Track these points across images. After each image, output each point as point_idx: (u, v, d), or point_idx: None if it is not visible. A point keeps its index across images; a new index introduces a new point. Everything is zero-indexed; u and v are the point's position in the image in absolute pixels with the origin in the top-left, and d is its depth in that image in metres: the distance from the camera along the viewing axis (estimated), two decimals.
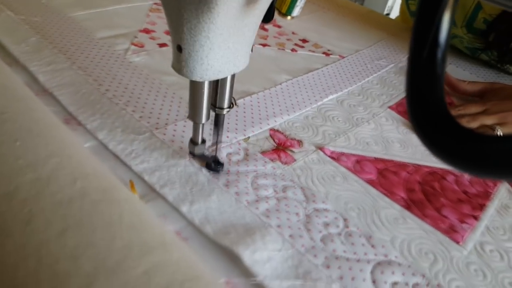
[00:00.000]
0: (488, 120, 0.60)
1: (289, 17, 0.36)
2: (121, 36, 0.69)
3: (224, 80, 0.38)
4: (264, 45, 0.76)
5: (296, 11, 0.35)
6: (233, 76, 0.38)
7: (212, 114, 0.41)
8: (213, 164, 0.44)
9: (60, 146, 0.30)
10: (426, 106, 0.20)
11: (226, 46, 0.32)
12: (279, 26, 0.85)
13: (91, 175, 0.28)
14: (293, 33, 0.84)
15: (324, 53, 0.77)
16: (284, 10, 0.35)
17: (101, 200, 0.26)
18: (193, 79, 0.34)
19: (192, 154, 0.43)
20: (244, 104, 0.57)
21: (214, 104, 0.40)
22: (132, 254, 0.23)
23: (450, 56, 0.89)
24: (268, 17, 0.35)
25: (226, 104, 0.40)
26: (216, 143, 0.43)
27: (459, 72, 0.83)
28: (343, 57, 0.77)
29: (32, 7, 0.72)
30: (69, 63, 0.58)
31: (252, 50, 0.38)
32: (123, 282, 0.21)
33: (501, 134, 0.58)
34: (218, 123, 0.42)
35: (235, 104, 0.41)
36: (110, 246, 0.23)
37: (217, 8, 0.29)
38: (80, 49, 0.62)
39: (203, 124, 0.40)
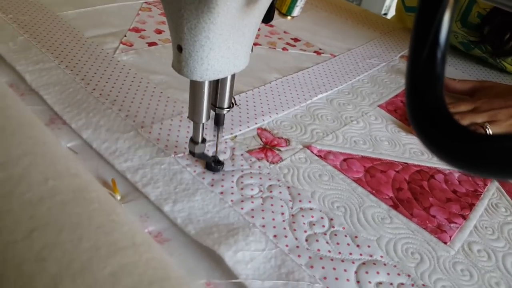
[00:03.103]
0: (478, 118, 0.60)
1: (289, 17, 0.35)
2: (110, 35, 0.68)
3: (224, 80, 0.38)
4: (255, 44, 0.75)
5: (296, 11, 0.35)
6: (233, 76, 0.38)
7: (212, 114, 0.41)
8: (213, 164, 0.44)
9: (34, 145, 0.30)
10: (426, 106, 0.19)
11: (226, 46, 0.32)
12: (271, 25, 0.85)
13: (64, 174, 0.28)
14: (285, 32, 0.83)
15: (315, 52, 0.77)
16: (284, 10, 0.35)
17: (71, 200, 0.25)
18: (193, 79, 0.34)
19: (192, 153, 0.43)
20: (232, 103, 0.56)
21: (215, 103, 0.40)
22: (99, 255, 0.22)
23: None
24: (268, 17, 0.35)
25: (226, 104, 0.40)
26: (216, 143, 0.43)
27: (450, 70, 0.82)
28: (334, 56, 0.77)
29: (20, 6, 0.71)
30: (57, 62, 0.58)
31: (252, 50, 0.38)
32: (89, 284, 0.20)
33: (491, 132, 0.58)
34: (218, 122, 0.42)
35: (235, 103, 0.41)
36: (77, 247, 0.22)
37: (217, 8, 0.29)
38: (68, 48, 0.62)
39: (203, 124, 0.40)
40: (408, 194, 0.47)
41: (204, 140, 0.42)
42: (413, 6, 0.91)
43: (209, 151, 0.45)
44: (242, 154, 0.47)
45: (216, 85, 0.38)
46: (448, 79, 0.70)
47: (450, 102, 0.65)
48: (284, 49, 0.76)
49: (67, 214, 0.24)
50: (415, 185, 0.49)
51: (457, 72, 0.82)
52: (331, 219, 0.41)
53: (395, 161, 0.52)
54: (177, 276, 0.24)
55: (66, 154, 0.31)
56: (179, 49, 0.32)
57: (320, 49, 0.79)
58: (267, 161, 0.47)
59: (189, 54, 0.32)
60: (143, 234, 0.26)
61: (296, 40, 0.80)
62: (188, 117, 0.39)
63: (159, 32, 0.73)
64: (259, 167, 0.46)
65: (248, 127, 0.52)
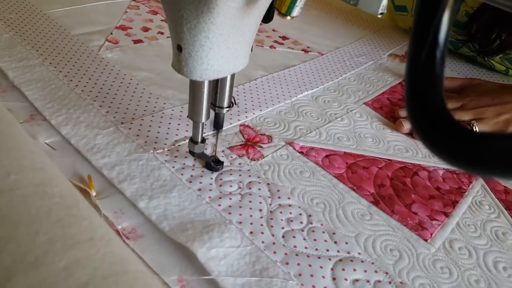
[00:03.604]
0: (465, 116, 0.60)
1: (288, 17, 0.35)
2: (96, 33, 0.68)
3: (224, 79, 0.38)
4: None
5: (296, 11, 0.34)
6: (232, 76, 0.38)
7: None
8: (213, 164, 0.43)
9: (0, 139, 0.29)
10: (425, 106, 0.20)
11: (225, 46, 0.32)
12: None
13: (28, 168, 0.27)
14: (273, 30, 0.83)
15: (303, 50, 0.77)
16: (283, 10, 0.34)
17: (32, 194, 0.25)
18: (193, 79, 0.34)
19: (192, 153, 0.42)
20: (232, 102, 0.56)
21: (214, 103, 0.40)
22: (54, 248, 0.22)
23: None
24: (268, 17, 0.35)
25: (226, 104, 0.40)
26: (216, 142, 0.43)
27: None
28: (322, 54, 0.76)
29: (8, 4, 0.71)
30: (41, 59, 0.57)
31: (252, 50, 0.38)
32: (42, 278, 0.20)
33: (477, 130, 0.58)
34: (218, 122, 0.42)
35: (235, 103, 0.41)
36: (33, 241, 0.22)
37: (217, 8, 0.29)
38: (53, 46, 0.62)
39: (202, 123, 0.40)
40: (390, 190, 0.47)
41: (203, 140, 0.42)
42: (402, 5, 0.91)
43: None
44: (223, 151, 0.47)
45: (216, 85, 0.39)
46: None
47: None
48: (271, 47, 0.75)
49: (26, 207, 0.24)
50: (397, 181, 0.49)
51: (446, 70, 0.82)
52: (310, 215, 0.41)
53: (379, 158, 0.52)
54: (134, 270, 0.23)
55: (34, 149, 0.31)
56: (178, 49, 0.32)
57: (308, 47, 0.78)
58: (248, 158, 0.47)
59: (188, 54, 0.32)
60: (104, 228, 0.26)
61: (284, 38, 0.80)
62: (187, 117, 0.39)
63: (145, 29, 0.72)
64: (240, 164, 0.45)
65: (231, 123, 0.52)
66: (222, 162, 0.44)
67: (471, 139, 0.18)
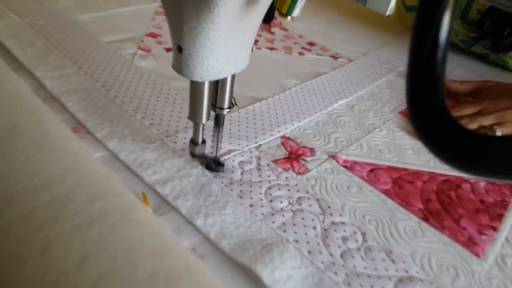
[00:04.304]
0: (486, 121, 0.59)
1: (289, 18, 0.36)
2: (127, 40, 0.68)
3: (224, 80, 0.38)
4: (271, 48, 0.75)
5: (296, 11, 0.35)
6: (233, 77, 0.38)
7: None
8: (214, 165, 0.43)
9: (74, 161, 0.29)
10: (426, 106, 0.19)
11: (226, 46, 0.32)
12: (285, 29, 0.84)
13: (109, 194, 0.27)
14: (299, 36, 0.82)
15: (332, 56, 0.76)
16: (284, 11, 0.35)
17: (121, 223, 0.25)
18: (194, 80, 0.34)
19: (192, 154, 0.43)
20: (254, 110, 0.56)
21: (215, 104, 0.40)
22: (158, 284, 0.21)
23: None
24: (268, 18, 0.35)
25: (226, 104, 0.40)
26: (217, 143, 0.43)
27: (452, 69, 0.82)
28: (351, 61, 0.76)
29: (35, 10, 0.71)
30: (76, 68, 0.57)
31: (252, 50, 0.37)
32: None
33: (500, 134, 0.57)
34: (218, 123, 0.42)
35: (235, 104, 0.41)
36: (134, 276, 0.22)
37: (217, 8, 0.29)
38: (86, 54, 0.61)
39: (203, 124, 0.40)
40: (437, 205, 0.47)
41: (204, 141, 0.42)
42: (413, 5, 0.91)
43: (234, 159, 0.45)
44: (268, 164, 0.47)
45: (216, 86, 0.38)
46: (449, 81, 0.70)
47: (455, 105, 0.64)
48: (300, 53, 0.75)
49: (119, 238, 0.24)
50: (443, 195, 0.48)
51: (459, 70, 0.81)
52: (364, 233, 0.40)
53: (421, 171, 0.51)
54: None
55: (105, 171, 0.30)
56: (179, 49, 0.32)
57: (336, 53, 0.78)
58: (294, 171, 0.46)
59: (189, 55, 0.32)
60: (194, 258, 0.26)
61: (311, 44, 0.80)
62: (188, 118, 0.39)
63: None
64: (286, 178, 0.45)
65: (272, 135, 0.51)
66: (223, 164, 0.44)
67: (472, 139, 0.18)
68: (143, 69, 0.60)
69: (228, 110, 0.40)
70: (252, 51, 0.37)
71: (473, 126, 0.59)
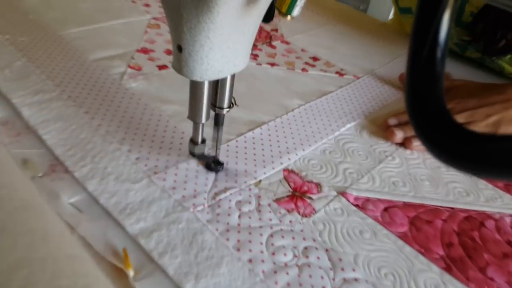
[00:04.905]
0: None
1: (289, 17, 0.36)
2: (116, 57, 0.63)
3: (224, 80, 0.37)
4: (272, 64, 0.69)
5: (296, 11, 0.35)
6: (233, 76, 0.38)
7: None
8: (213, 164, 0.43)
9: (33, 246, 0.24)
10: (425, 106, 0.19)
11: (226, 46, 0.32)
12: (287, 43, 0.79)
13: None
14: (302, 50, 0.77)
15: (337, 72, 0.71)
16: (284, 10, 0.35)
17: None
18: (193, 79, 0.34)
19: (192, 154, 0.43)
20: (253, 138, 0.50)
21: (214, 103, 0.39)
22: None
23: None
24: (268, 17, 0.35)
25: (226, 104, 0.40)
26: (216, 143, 0.42)
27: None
28: (358, 78, 0.70)
29: (18, 25, 0.66)
30: (58, 91, 0.52)
31: (252, 51, 0.35)
32: None
33: None
34: (218, 122, 0.41)
35: (235, 104, 0.40)
36: None
37: (217, 7, 0.29)
38: (70, 74, 0.56)
39: (203, 124, 0.40)
40: (460, 250, 0.41)
41: (204, 141, 0.42)
42: (407, 7, 0.88)
43: (232, 199, 0.40)
44: (269, 204, 0.41)
45: (216, 85, 0.38)
46: None
47: None
48: (303, 70, 0.70)
49: None
50: (466, 237, 0.43)
51: (454, 76, 0.76)
52: None
53: (440, 207, 0.46)
54: None
55: (73, 253, 0.25)
56: (179, 49, 0.32)
57: (341, 69, 0.72)
58: (299, 213, 0.41)
59: (189, 54, 0.32)
60: None
61: (315, 59, 0.74)
62: (187, 117, 0.39)
63: (169, 52, 0.67)
64: (290, 222, 0.40)
65: (273, 168, 0.46)
66: (222, 163, 0.44)
67: (472, 139, 0.18)
68: (132, 91, 0.55)
69: (228, 109, 0.40)
70: (252, 51, 0.36)
71: None
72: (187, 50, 0.31)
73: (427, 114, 0.19)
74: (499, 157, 0.17)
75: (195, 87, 0.36)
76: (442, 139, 0.19)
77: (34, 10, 0.72)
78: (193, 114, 0.39)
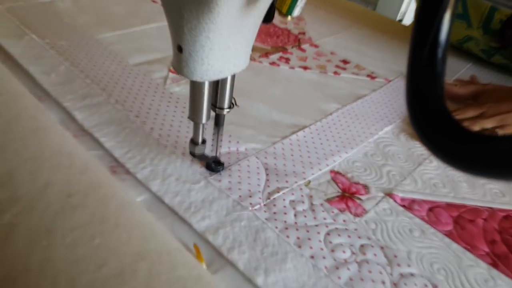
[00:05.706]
0: (488, 124, 0.59)
1: (289, 17, 0.36)
2: (156, 61, 0.64)
3: (224, 80, 0.37)
4: (305, 68, 0.71)
5: (296, 11, 0.35)
6: (233, 76, 0.38)
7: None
8: (213, 165, 0.44)
9: (143, 237, 0.25)
10: (426, 105, 0.19)
11: (226, 46, 0.32)
12: (316, 46, 0.81)
13: (187, 279, 0.24)
14: (331, 53, 0.79)
15: (368, 75, 0.73)
16: (284, 10, 0.35)
17: None
18: (194, 79, 0.34)
19: (193, 154, 0.43)
20: (298, 140, 0.52)
21: (215, 104, 0.40)
22: None
23: (465, 61, 0.87)
24: (268, 17, 0.35)
25: (226, 104, 0.40)
26: (217, 143, 0.43)
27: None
28: (389, 81, 0.72)
29: (55, 29, 0.67)
30: (105, 95, 0.54)
31: (252, 50, 0.36)
32: None
33: None
34: (218, 123, 0.41)
35: (236, 104, 0.41)
36: None
37: (217, 8, 0.29)
38: (114, 79, 0.58)
39: (203, 124, 0.40)
40: (503, 247, 0.43)
41: (204, 141, 0.42)
42: None
43: (285, 198, 0.41)
44: (321, 204, 0.43)
45: (216, 86, 0.38)
46: (449, 84, 0.69)
47: (456, 109, 0.63)
48: (335, 73, 0.72)
49: None
50: (507, 235, 0.45)
51: (482, 81, 0.78)
52: (436, 286, 0.37)
53: (479, 207, 0.48)
54: None
55: (176, 246, 0.27)
56: (179, 49, 0.32)
57: (372, 72, 0.74)
58: (351, 213, 0.43)
59: (189, 54, 0.32)
60: None
61: (345, 62, 0.76)
62: (188, 117, 0.39)
63: None
64: (344, 221, 0.42)
65: (320, 169, 0.48)
66: (223, 163, 0.44)
67: (472, 139, 0.18)
68: (177, 96, 0.57)
69: (228, 110, 0.40)
70: (251, 50, 0.36)
71: (474, 129, 0.58)
72: (188, 51, 0.32)
73: (427, 114, 0.19)
74: (499, 157, 0.17)
75: (195, 87, 0.37)
76: (442, 139, 0.19)
77: (68, 13, 0.74)
78: (194, 114, 0.39)
